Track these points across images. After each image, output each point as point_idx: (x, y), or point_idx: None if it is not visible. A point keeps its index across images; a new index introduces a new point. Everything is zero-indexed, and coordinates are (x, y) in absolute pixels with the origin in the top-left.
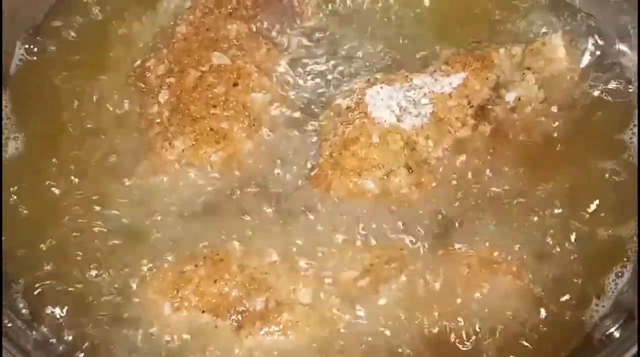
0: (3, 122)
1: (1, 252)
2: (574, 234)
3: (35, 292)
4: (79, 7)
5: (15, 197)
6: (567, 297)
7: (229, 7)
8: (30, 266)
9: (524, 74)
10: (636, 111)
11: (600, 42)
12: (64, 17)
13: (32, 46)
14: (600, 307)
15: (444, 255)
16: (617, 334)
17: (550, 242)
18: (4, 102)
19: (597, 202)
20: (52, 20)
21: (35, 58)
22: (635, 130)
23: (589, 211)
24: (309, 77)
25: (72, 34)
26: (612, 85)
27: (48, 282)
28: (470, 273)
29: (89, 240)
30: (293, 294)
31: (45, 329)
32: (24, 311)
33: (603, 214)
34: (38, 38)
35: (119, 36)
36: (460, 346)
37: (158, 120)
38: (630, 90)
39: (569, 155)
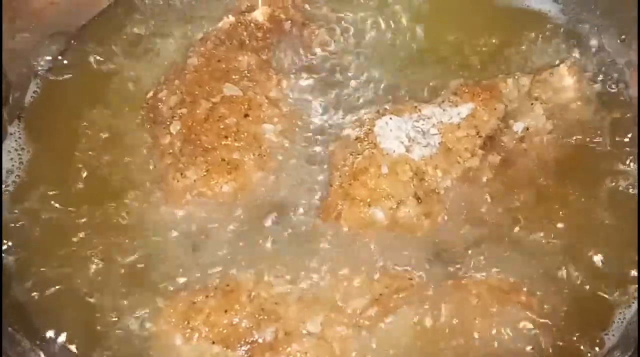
0: (17, 153)
1: (1, 252)
2: (584, 264)
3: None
4: (93, 40)
5: (22, 222)
6: (576, 326)
7: (240, 38)
8: (39, 290)
9: (532, 104)
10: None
11: (609, 73)
12: (78, 49)
13: (46, 79)
14: (610, 336)
15: (453, 285)
16: None
17: (560, 272)
18: (17, 133)
19: (608, 233)
20: (67, 53)
21: (49, 91)
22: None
23: (600, 239)
24: (318, 108)
25: (86, 66)
26: (619, 115)
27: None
28: (479, 303)
29: (99, 269)
30: (302, 324)
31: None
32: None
33: (612, 245)
34: (52, 72)
35: (131, 68)
36: None
37: (170, 151)
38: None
39: (578, 185)
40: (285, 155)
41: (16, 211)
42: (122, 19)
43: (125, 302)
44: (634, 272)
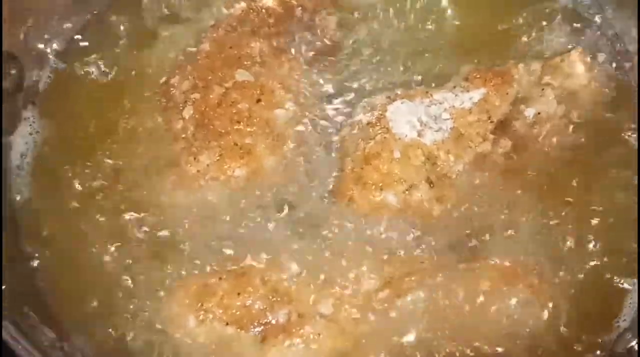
0: (32, 137)
1: (1, 254)
2: (595, 249)
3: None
4: (106, 26)
5: (37, 206)
6: (587, 311)
7: (252, 25)
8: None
9: (543, 89)
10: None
11: (620, 59)
12: (92, 35)
13: (60, 64)
14: (622, 321)
15: (464, 269)
16: (636, 348)
17: (571, 257)
18: (31, 118)
19: (617, 217)
20: (81, 39)
21: (63, 76)
22: None
23: (609, 224)
24: (330, 93)
25: (99, 52)
26: (630, 100)
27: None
28: (491, 287)
29: (112, 253)
30: (314, 306)
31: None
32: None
33: (623, 228)
34: (66, 57)
35: (144, 53)
36: None
37: (183, 136)
38: None
39: (589, 171)
40: (297, 140)
41: (29, 195)
42: (136, 5)
43: (139, 284)
44: None
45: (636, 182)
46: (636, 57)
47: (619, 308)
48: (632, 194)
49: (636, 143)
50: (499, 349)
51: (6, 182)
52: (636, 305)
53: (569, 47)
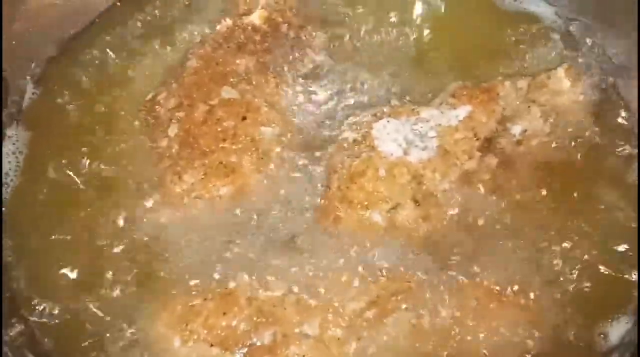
0: (15, 156)
1: (1, 255)
2: (582, 266)
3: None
4: (92, 43)
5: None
6: (576, 328)
7: (238, 41)
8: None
9: (529, 107)
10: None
11: (607, 75)
12: (77, 52)
13: (44, 82)
14: (608, 340)
15: (451, 287)
16: None
17: (558, 274)
18: (15, 136)
19: (604, 235)
20: (65, 56)
21: (47, 94)
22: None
23: (595, 243)
24: (316, 111)
25: (84, 69)
26: (617, 117)
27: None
28: (478, 306)
29: (96, 272)
30: (300, 327)
31: None
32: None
33: (613, 247)
34: (50, 75)
35: (130, 71)
36: None
37: (168, 154)
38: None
39: (576, 187)
40: (283, 158)
41: (12, 214)
42: (121, 22)
43: (123, 305)
44: (634, 275)
45: (625, 196)
46: (623, 72)
47: (607, 328)
48: (621, 210)
49: (628, 160)
50: None
51: None
52: (626, 324)
53: (556, 64)
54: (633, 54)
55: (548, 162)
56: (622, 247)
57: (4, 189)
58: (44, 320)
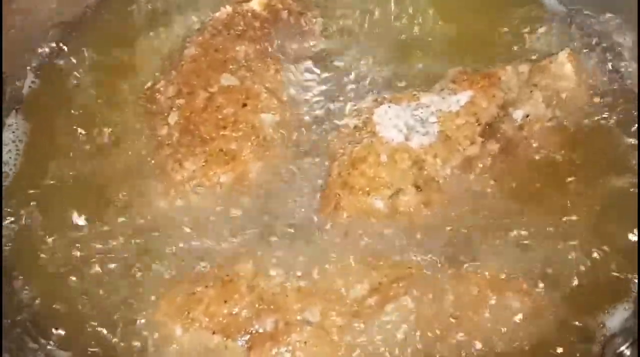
0: (15, 144)
1: (1, 255)
2: (584, 253)
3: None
4: (90, 31)
5: (19, 214)
6: (576, 316)
7: (238, 28)
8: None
9: (531, 91)
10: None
11: (608, 61)
12: (75, 41)
13: (43, 71)
14: (607, 327)
15: (452, 274)
16: (627, 353)
17: (560, 262)
18: (14, 125)
19: (607, 222)
20: (64, 45)
21: (46, 83)
22: None
23: (598, 230)
24: (316, 97)
25: (83, 58)
26: (618, 102)
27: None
28: (479, 292)
29: (97, 259)
30: (301, 314)
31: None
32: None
33: (614, 231)
34: (49, 64)
35: (129, 59)
36: None
37: (168, 142)
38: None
39: (577, 172)
40: (283, 145)
41: (11, 204)
42: (119, 10)
43: (124, 292)
44: (635, 262)
45: (628, 183)
46: (625, 57)
47: (607, 316)
48: (624, 194)
49: (627, 143)
50: (489, 354)
51: None
52: (625, 311)
53: (557, 49)
54: (634, 39)
55: (550, 146)
56: (627, 234)
57: (2, 179)
58: (44, 307)
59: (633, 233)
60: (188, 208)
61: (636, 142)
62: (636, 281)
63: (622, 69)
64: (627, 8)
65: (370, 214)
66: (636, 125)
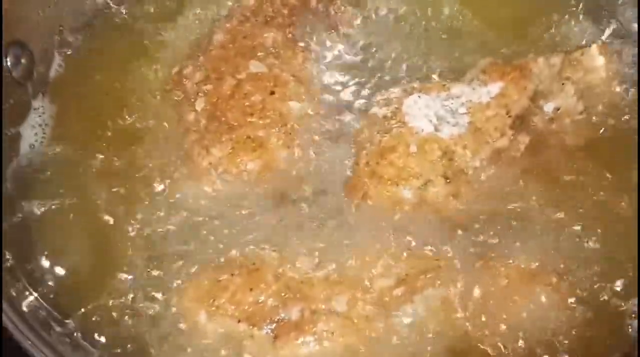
0: (42, 128)
1: (1, 254)
2: (615, 246)
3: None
4: (117, 16)
5: (46, 200)
6: (608, 310)
7: (266, 15)
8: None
9: (563, 84)
10: None
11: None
12: (103, 25)
13: (70, 54)
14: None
15: (481, 266)
16: None
17: (591, 255)
18: (41, 108)
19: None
20: (91, 29)
21: (73, 66)
22: None
23: (630, 224)
24: (345, 86)
25: (110, 42)
26: None
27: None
28: (508, 285)
29: (125, 245)
30: (328, 303)
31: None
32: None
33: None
34: (76, 47)
35: (156, 44)
36: None
37: (195, 128)
38: None
39: (608, 166)
40: (311, 133)
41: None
42: None
43: (150, 279)
44: None
45: None
46: None
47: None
48: None
49: None
50: (517, 347)
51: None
52: None
53: (590, 41)
54: None
55: (581, 140)
56: None
57: (29, 162)
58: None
59: None
60: (214, 195)
61: None
62: None
63: None
64: None
65: (398, 204)
66: None
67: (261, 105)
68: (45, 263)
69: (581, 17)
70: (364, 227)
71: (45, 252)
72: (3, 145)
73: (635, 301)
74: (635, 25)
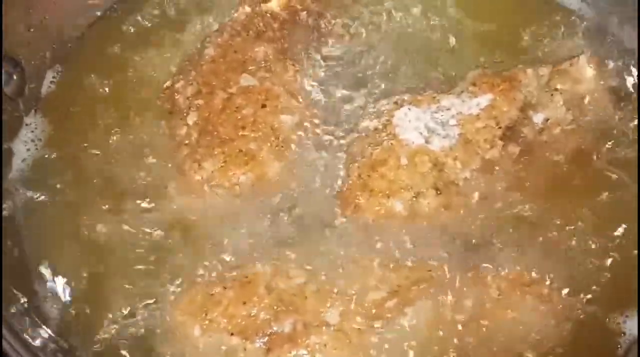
0: (34, 143)
1: (1, 253)
2: (605, 256)
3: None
4: (110, 30)
5: (34, 213)
6: (601, 318)
7: (256, 29)
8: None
9: (552, 95)
10: None
11: (630, 65)
12: (95, 39)
13: (62, 70)
14: (634, 330)
15: (473, 277)
16: None
17: (581, 264)
18: (33, 124)
19: (625, 225)
20: (84, 43)
21: (65, 81)
22: None
23: (619, 233)
24: (336, 99)
25: (102, 56)
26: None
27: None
28: (500, 296)
29: (115, 260)
30: (320, 316)
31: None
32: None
33: (632, 237)
34: (68, 63)
35: (148, 58)
36: None
37: (187, 142)
38: None
39: (598, 177)
40: (302, 146)
41: (29, 202)
42: (138, 9)
43: (141, 292)
44: None
45: None
46: None
47: (631, 320)
48: None
49: None
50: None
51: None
52: None
53: (578, 52)
54: None
55: (571, 151)
56: None
57: (21, 178)
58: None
59: None
60: (207, 208)
61: None
62: None
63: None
64: None
65: (390, 216)
66: None
67: (253, 119)
68: (44, 273)
69: (570, 28)
70: (356, 240)
71: (40, 268)
72: None
73: (624, 318)
74: (619, 36)
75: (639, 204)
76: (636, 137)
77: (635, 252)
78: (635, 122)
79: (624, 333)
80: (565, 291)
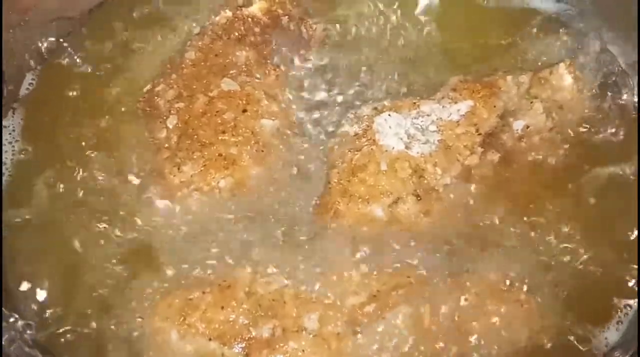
0: (11, 145)
1: (1, 255)
2: (583, 261)
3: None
4: (89, 33)
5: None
6: (577, 325)
7: (238, 33)
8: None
9: (531, 102)
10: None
11: (609, 72)
12: (74, 42)
13: (40, 72)
14: (610, 335)
15: (452, 283)
16: None
17: (560, 271)
18: (11, 126)
19: (608, 232)
20: (63, 46)
21: (44, 83)
22: None
23: (598, 238)
24: (317, 104)
25: (81, 59)
26: (618, 114)
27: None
28: (479, 301)
29: (93, 264)
30: (299, 321)
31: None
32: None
33: (614, 244)
34: (47, 64)
35: (128, 61)
36: None
37: (166, 145)
38: (634, 115)
39: (577, 183)
40: (283, 151)
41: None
42: (119, 12)
43: (120, 298)
44: (634, 270)
45: (628, 191)
46: (625, 69)
47: (608, 325)
48: (624, 207)
49: (629, 156)
50: None
51: None
52: (625, 323)
53: (558, 59)
54: (634, 52)
55: (550, 157)
56: (628, 244)
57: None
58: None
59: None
60: (186, 212)
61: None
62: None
63: (621, 79)
64: (626, 19)
65: (369, 222)
66: (635, 139)
67: (233, 123)
68: (23, 287)
69: (550, 36)
70: (335, 245)
71: (20, 276)
72: None
73: (602, 327)
74: (598, 44)
75: (639, 205)
76: (619, 142)
77: (614, 258)
78: (614, 129)
79: (602, 341)
80: (543, 297)
